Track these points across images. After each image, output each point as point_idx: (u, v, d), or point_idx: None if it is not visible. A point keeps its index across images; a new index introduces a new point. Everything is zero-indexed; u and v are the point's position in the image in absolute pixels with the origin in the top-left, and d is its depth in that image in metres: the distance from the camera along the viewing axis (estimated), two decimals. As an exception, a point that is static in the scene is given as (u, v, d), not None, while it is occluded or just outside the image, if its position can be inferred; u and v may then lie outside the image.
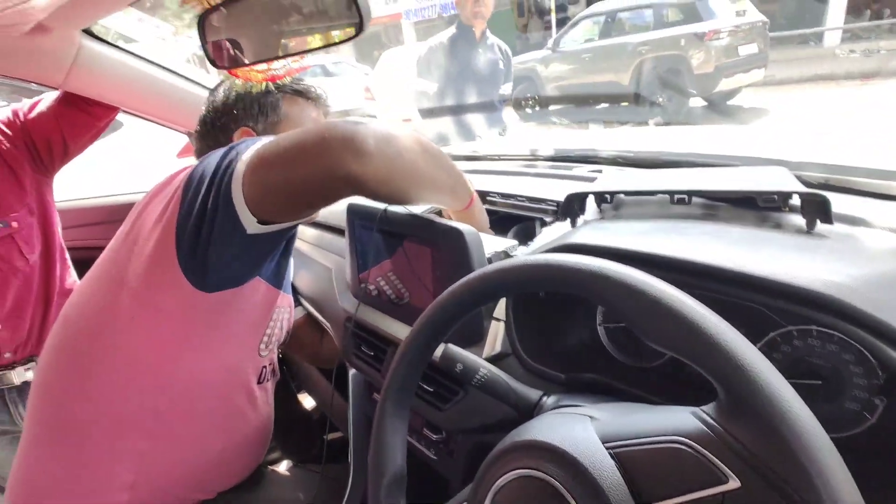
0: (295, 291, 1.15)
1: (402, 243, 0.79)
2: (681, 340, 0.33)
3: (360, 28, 0.55)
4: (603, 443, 0.38)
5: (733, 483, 0.30)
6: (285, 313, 0.87)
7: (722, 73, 5.78)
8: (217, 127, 0.88)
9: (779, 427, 0.29)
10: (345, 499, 0.91)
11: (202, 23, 0.61)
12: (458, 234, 0.67)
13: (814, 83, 6.54)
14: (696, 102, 6.16)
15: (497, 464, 0.42)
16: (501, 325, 0.69)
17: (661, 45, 6.18)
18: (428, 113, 2.63)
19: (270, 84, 0.86)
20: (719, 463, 0.30)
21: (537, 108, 7.16)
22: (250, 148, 0.62)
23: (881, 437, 0.45)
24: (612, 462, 0.36)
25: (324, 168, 0.57)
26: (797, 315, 0.51)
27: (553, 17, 10.79)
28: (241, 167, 0.61)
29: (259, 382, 0.82)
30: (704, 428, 0.32)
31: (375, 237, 0.83)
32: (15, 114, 1.20)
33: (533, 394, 0.57)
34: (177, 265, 0.65)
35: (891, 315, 0.43)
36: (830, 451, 0.28)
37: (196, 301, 0.67)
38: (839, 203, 0.61)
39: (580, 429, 0.40)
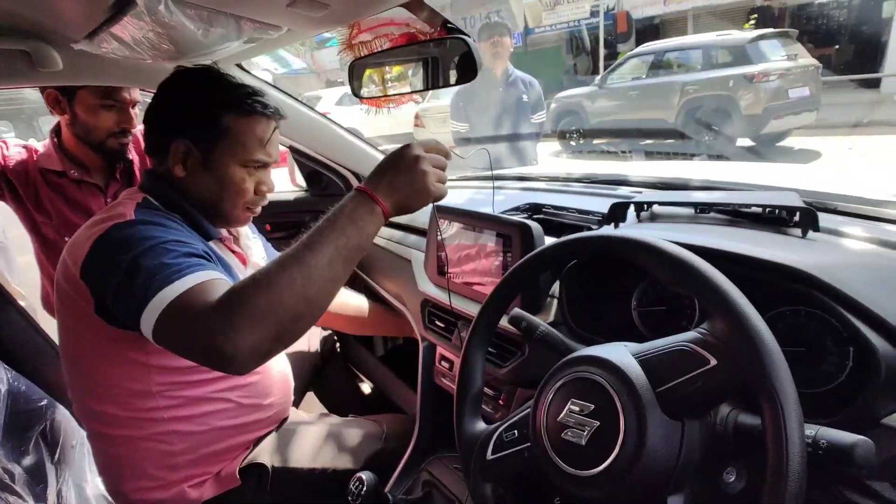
0: (362, 277, 1.38)
1: (478, 235, 1.00)
2: (682, 279, 0.52)
3: (473, 74, 0.76)
4: (633, 355, 0.57)
5: (713, 362, 0.48)
6: None
7: (771, 114, 5.82)
8: (159, 131, 0.85)
9: (742, 327, 0.47)
10: (412, 442, 1.10)
11: (351, 67, 0.86)
12: (527, 228, 0.87)
13: (869, 128, 6.48)
14: (745, 142, 6.20)
15: (557, 372, 0.62)
16: (555, 301, 0.89)
17: (708, 84, 6.29)
18: (465, 151, 2.82)
19: (211, 92, 0.82)
20: (704, 352, 0.49)
21: (581, 141, 7.36)
22: (160, 293, 0.63)
23: (847, 390, 0.61)
24: (637, 364, 0.55)
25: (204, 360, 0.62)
26: (790, 297, 0.67)
27: (601, 55, 11.08)
28: (150, 316, 0.64)
29: None
30: (698, 335, 0.51)
31: (455, 230, 1.05)
32: None
33: (580, 347, 0.76)
34: (104, 325, 0.74)
35: (855, 291, 0.60)
36: (772, 341, 0.46)
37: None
38: (833, 221, 0.78)
39: (617, 349, 0.59)
